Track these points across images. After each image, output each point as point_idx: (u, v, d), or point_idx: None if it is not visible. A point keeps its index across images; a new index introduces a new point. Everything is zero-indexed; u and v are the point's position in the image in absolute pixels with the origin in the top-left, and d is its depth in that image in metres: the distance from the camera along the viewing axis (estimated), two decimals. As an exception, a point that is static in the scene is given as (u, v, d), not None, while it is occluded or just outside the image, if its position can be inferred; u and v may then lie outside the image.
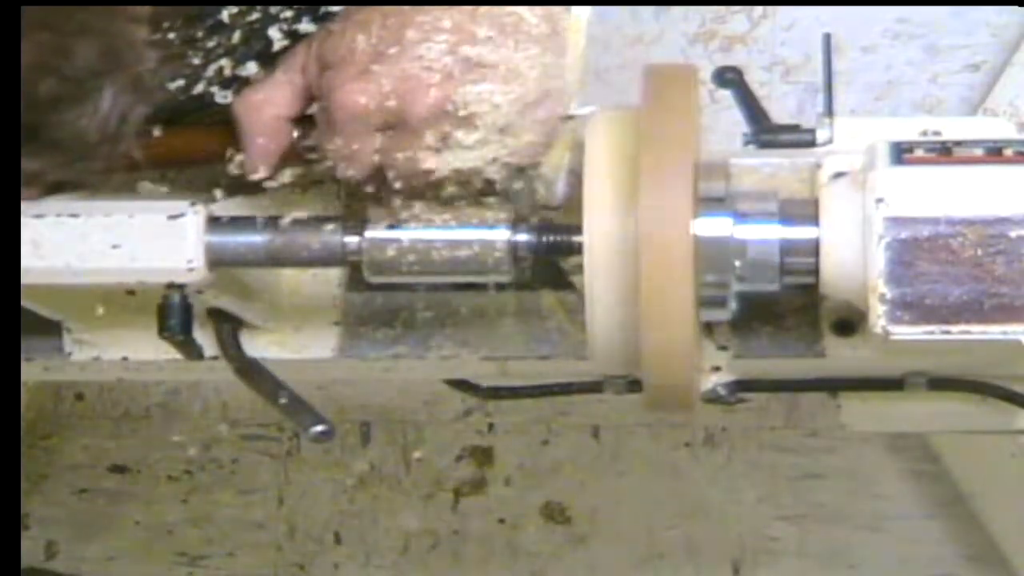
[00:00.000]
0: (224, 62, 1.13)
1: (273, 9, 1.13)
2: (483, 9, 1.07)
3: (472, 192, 1.11)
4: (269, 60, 1.13)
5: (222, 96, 1.14)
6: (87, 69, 0.95)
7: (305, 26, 1.12)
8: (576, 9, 1.12)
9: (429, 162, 1.09)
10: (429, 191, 1.10)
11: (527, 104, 1.08)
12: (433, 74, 1.07)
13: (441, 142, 1.08)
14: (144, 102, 0.99)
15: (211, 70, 1.13)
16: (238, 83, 1.14)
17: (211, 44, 1.12)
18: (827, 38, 1.29)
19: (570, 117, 1.13)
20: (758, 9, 2.07)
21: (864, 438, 2.06)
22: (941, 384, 1.29)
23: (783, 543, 2.10)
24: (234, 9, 1.12)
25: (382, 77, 1.07)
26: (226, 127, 1.15)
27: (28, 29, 0.92)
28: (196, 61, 1.13)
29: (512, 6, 1.08)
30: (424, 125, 1.07)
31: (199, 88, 1.14)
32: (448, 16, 1.07)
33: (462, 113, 1.07)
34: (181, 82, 1.13)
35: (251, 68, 1.13)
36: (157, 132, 1.16)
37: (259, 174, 1.14)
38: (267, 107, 1.13)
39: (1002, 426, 1.34)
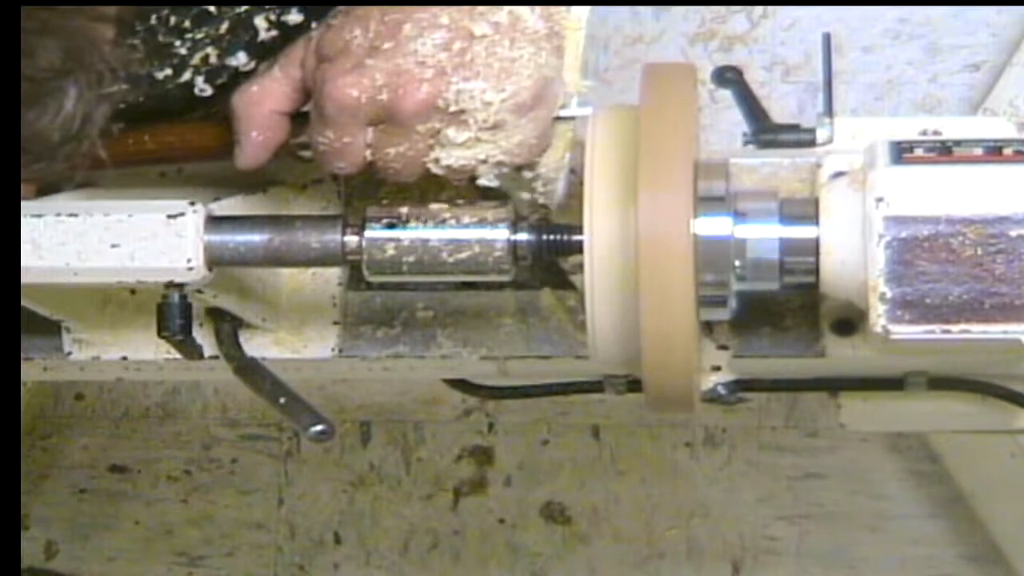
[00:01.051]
0: (210, 51, 1.12)
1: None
2: (482, 7, 1.07)
3: (468, 190, 1.11)
4: (258, 50, 1.12)
5: (206, 88, 1.13)
6: (49, 69, 0.92)
7: (294, 17, 1.11)
8: (576, 9, 1.12)
9: (420, 159, 1.08)
10: (422, 188, 1.10)
11: (520, 103, 1.07)
12: (426, 69, 1.06)
13: (432, 139, 1.08)
14: (108, 102, 0.97)
15: (197, 59, 1.12)
16: (226, 73, 1.13)
17: (199, 35, 1.11)
18: (827, 38, 1.28)
19: (570, 117, 1.12)
20: (758, 9, 2.07)
21: (864, 438, 2.06)
22: (941, 384, 1.29)
23: (783, 543, 2.10)
24: None
25: (375, 71, 1.06)
26: (223, 122, 1.15)
27: None
28: (183, 51, 1.12)
29: (512, 5, 1.08)
30: (415, 120, 1.07)
31: (185, 77, 1.13)
32: (446, 13, 1.07)
33: (453, 110, 1.07)
34: (168, 71, 1.12)
35: (241, 58, 1.12)
36: (151, 129, 1.16)
37: (251, 167, 1.14)
38: (264, 101, 1.12)
39: (1002, 426, 1.34)
